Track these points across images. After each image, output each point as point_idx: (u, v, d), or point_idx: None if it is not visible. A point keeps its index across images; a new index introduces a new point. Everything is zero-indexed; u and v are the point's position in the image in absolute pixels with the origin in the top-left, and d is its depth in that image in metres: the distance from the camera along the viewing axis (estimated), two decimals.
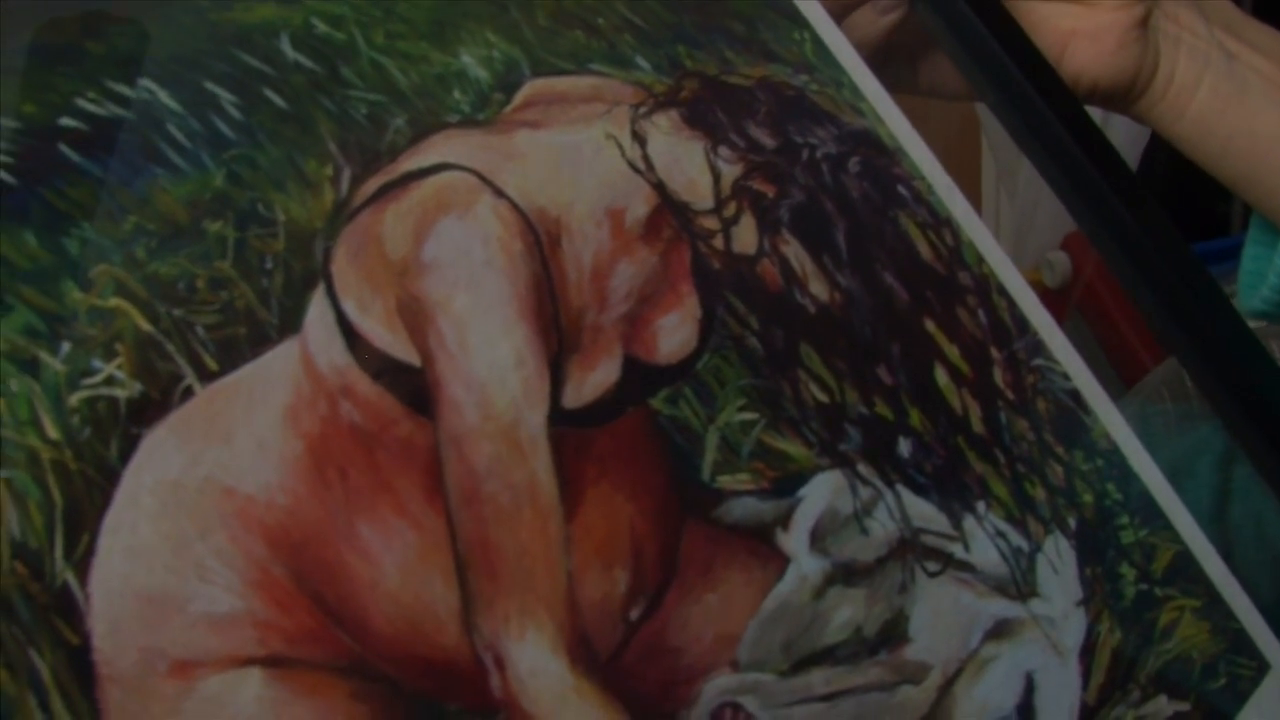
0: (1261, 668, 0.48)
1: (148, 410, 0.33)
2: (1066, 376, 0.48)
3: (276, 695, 0.32)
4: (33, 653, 0.30)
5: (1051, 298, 1.34)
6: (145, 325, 0.34)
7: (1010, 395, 0.46)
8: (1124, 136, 1.20)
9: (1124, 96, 0.57)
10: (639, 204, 0.41)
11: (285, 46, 0.39)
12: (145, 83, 0.36)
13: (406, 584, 0.34)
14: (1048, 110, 0.53)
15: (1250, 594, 0.53)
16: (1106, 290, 1.27)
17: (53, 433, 0.32)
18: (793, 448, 0.41)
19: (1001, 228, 1.42)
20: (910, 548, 0.41)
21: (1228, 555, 0.63)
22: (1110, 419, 0.48)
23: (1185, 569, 0.47)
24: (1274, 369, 0.52)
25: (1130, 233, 0.52)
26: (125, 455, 0.32)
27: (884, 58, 0.54)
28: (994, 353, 0.46)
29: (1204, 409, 0.84)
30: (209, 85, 0.37)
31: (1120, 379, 1.18)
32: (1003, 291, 0.48)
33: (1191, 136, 0.57)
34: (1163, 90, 0.57)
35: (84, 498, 0.32)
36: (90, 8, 0.37)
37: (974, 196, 1.48)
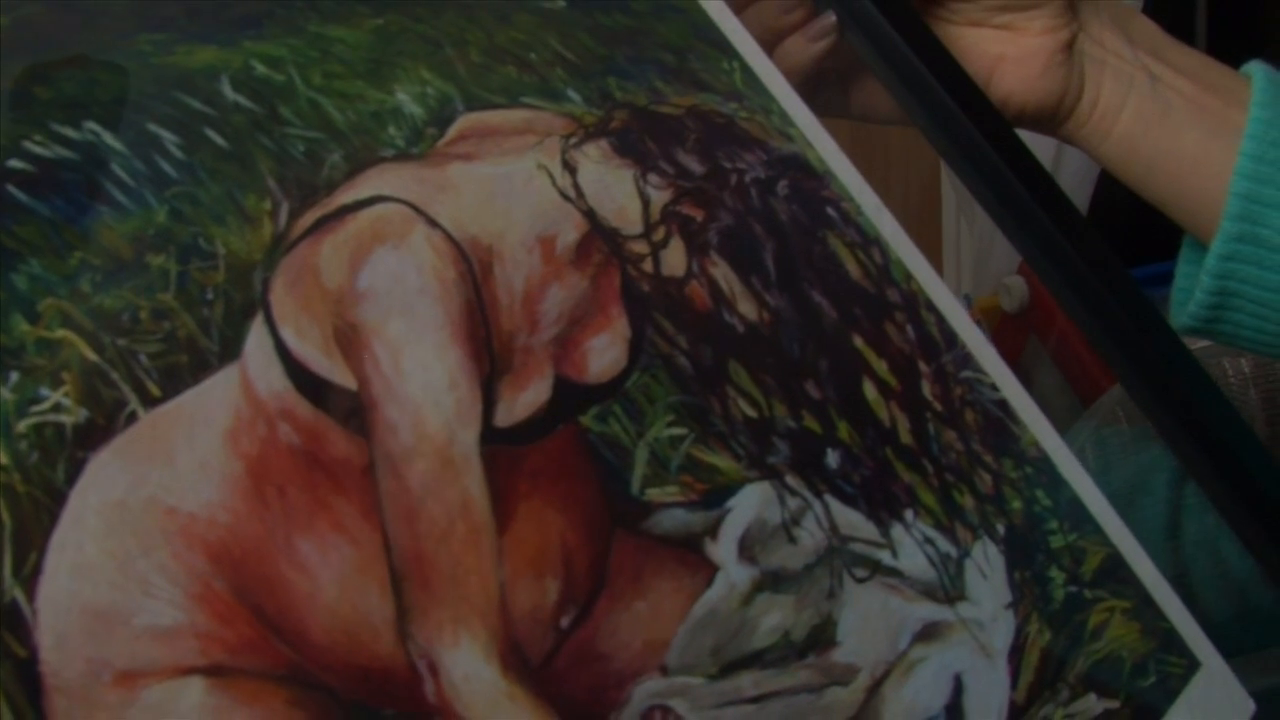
0: (1192, 666, 0.49)
1: (93, 435, 0.34)
2: (995, 387, 0.50)
3: (217, 703, 0.33)
4: None
5: (1010, 321, 1.35)
6: (91, 355, 0.35)
7: (938, 407, 0.47)
8: (1081, 159, 1.22)
9: (1051, 118, 0.59)
10: (569, 231, 0.43)
11: (225, 88, 0.40)
12: (90, 125, 0.38)
13: (343, 596, 0.35)
14: (976, 132, 0.54)
15: (1204, 606, 0.55)
16: (1062, 316, 1.29)
17: (2, 458, 0.33)
18: (721, 461, 0.42)
19: (963, 255, 1.43)
20: (838, 555, 0.43)
21: (1184, 572, 0.65)
22: (1039, 427, 0.49)
23: (1115, 571, 0.49)
24: (1213, 388, 0.54)
25: (1057, 244, 0.54)
26: (72, 478, 0.33)
27: (816, 83, 0.56)
28: (922, 366, 0.48)
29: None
30: (152, 127, 0.39)
31: (1079, 399, 1.20)
32: (931, 307, 0.49)
33: (1117, 157, 0.59)
34: (1088, 112, 0.59)
35: (31, 518, 0.33)
36: (38, 55, 0.39)
37: (935, 225, 1.49)
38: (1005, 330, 1.32)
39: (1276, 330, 0.58)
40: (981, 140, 0.53)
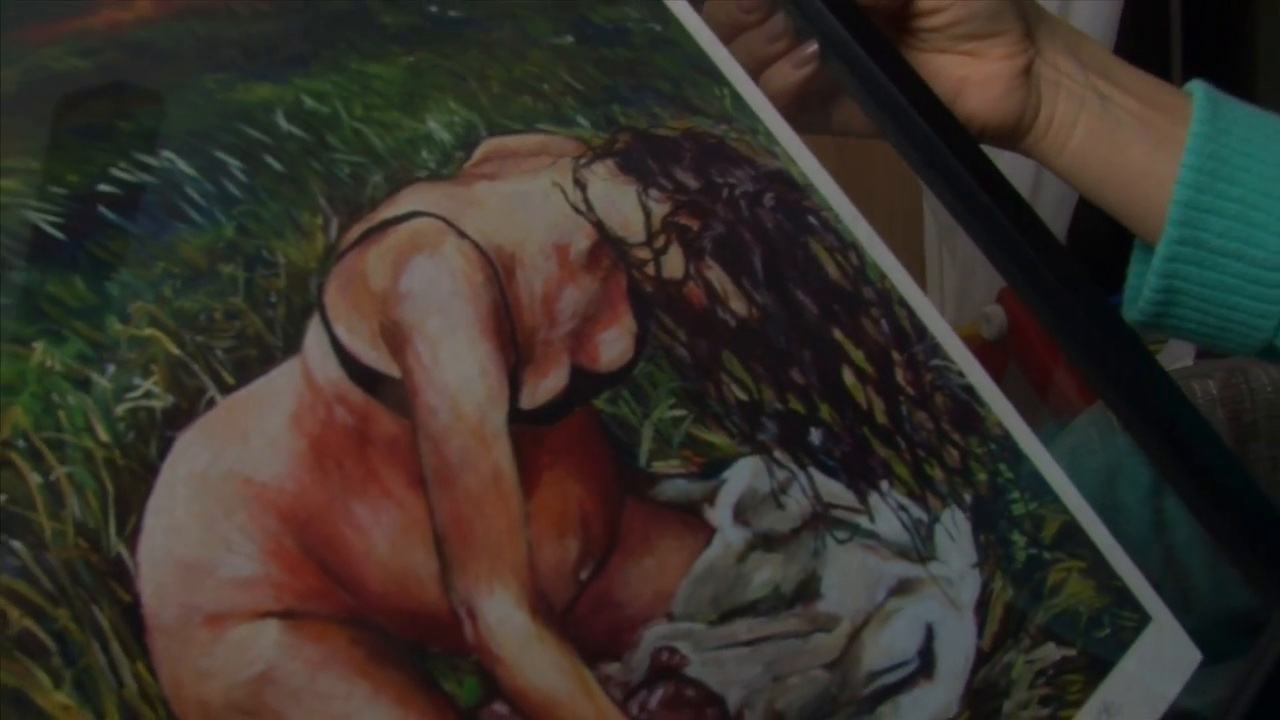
0: (1143, 620, 0.54)
1: (179, 417, 0.40)
2: (961, 374, 0.55)
3: (290, 641, 0.39)
4: (95, 609, 0.36)
5: (990, 349, 1.39)
6: (174, 349, 0.41)
7: (910, 391, 0.53)
8: (1058, 188, 1.28)
9: (1011, 135, 0.65)
10: (581, 239, 0.49)
11: (280, 120, 0.46)
12: (166, 153, 0.44)
13: (394, 552, 0.41)
14: (944, 147, 0.60)
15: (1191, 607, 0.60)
16: (1039, 340, 1.33)
17: (104, 436, 0.39)
18: (717, 438, 0.48)
19: (945, 285, 1.48)
20: (821, 520, 0.49)
21: (1161, 582, 0.70)
22: (1001, 408, 0.55)
23: (1072, 535, 0.54)
24: (1184, 399, 0.59)
25: (1021, 250, 0.59)
26: (162, 453, 0.39)
27: (800, 104, 0.62)
28: (895, 355, 0.54)
29: (1129, 446, 0.91)
30: (219, 154, 0.45)
31: (1056, 423, 1.25)
32: (903, 303, 0.55)
33: (1071, 169, 0.64)
34: (1045, 129, 0.64)
35: (130, 487, 0.38)
36: (118, 94, 0.45)
37: (918, 256, 1.54)
38: (985, 357, 1.37)
39: (1216, 323, 0.64)
40: (946, 151, 0.59)
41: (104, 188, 0.42)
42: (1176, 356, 1.47)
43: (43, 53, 0.44)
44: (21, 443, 0.38)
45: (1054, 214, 1.36)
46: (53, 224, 0.41)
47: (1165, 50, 1.65)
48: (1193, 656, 0.54)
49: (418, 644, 0.41)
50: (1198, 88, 0.64)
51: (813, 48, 0.61)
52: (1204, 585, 0.81)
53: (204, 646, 0.38)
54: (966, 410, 0.54)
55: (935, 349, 0.55)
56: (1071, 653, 0.52)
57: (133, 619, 0.37)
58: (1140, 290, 0.64)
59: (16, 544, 0.37)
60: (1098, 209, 0.67)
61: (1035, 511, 0.54)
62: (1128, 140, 0.63)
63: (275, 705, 0.38)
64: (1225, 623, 0.65)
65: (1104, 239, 0.84)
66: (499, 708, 0.41)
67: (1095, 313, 0.59)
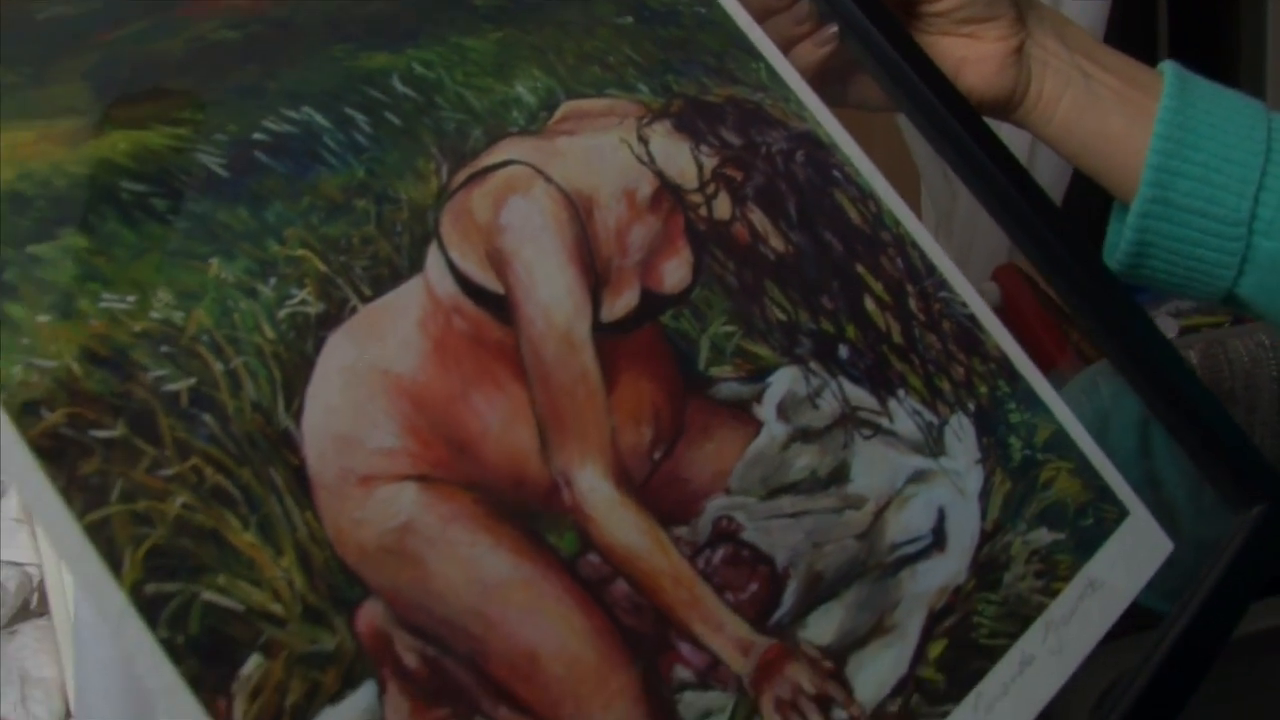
0: (1122, 513, 0.63)
1: (328, 321, 0.47)
2: (965, 305, 0.64)
3: (425, 499, 0.47)
4: (270, 469, 0.44)
5: None
6: (322, 267, 0.49)
7: (922, 317, 0.62)
8: (1054, 165, 1.37)
9: (1004, 107, 0.73)
10: (645, 186, 0.58)
11: (396, 83, 0.55)
12: (306, 109, 0.52)
13: (504, 432, 0.50)
14: (949, 115, 0.69)
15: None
16: (1032, 314, 1.42)
17: (270, 334, 0.47)
18: (762, 350, 0.57)
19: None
20: (849, 419, 0.58)
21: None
22: (999, 334, 0.64)
23: (1061, 442, 0.63)
24: (1171, 348, 0.68)
25: (1018, 205, 0.69)
26: (317, 349, 0.46)
27: (821, 79, 0.71)
28: (909, 287, 0.63)
29: (1115, 406, 1.00)
30: (349, 110, 0.53)
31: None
32: (914, 245, 0.64)
33: (1058, 137, 0.73)
34: (1034, 102, 0.73)
35: (293, 375, 0.46)
36: (266, 60, 0.54)
37: None
38: None
39: (1184, 273, 0.73)
40: (950, 118, 0.68)
41: (258, 135, 0.50)
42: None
43: (201, 26, 0.53)
44: (206, 338, 0.46)
45: (1051, 185, 1.44)
46: (218, 164, 0.50)
47: (1152, 46, 1.74)
48: (1165, 545, 0.63)
49: (525, 505, 0.48)
50: (1168, 67, 0.73)
51: (833, 29, 0.70)
52: (1186, 518, 0.89)
53: (358, 501, 0.45)
54: (969, 335, 0.63)
55: (942, 283, 0.64)
56: (1061, 537, 0.60)
57: (300, 478, 0.44)
58: (1117, 244, 0.73)
59: (207, 417, 0.45)
60: (1089, 182, 0.76)
61: (1029, 421, 0.63)
62: (1107, 112, 0.72)
63: (416, 549, 0.46)
64: (1201, 550, 0.74)
65: (1095, 210, 0.91)
66: (593, 558, 0.49)
67: (1084, 261, 0.68)
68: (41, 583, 1.30)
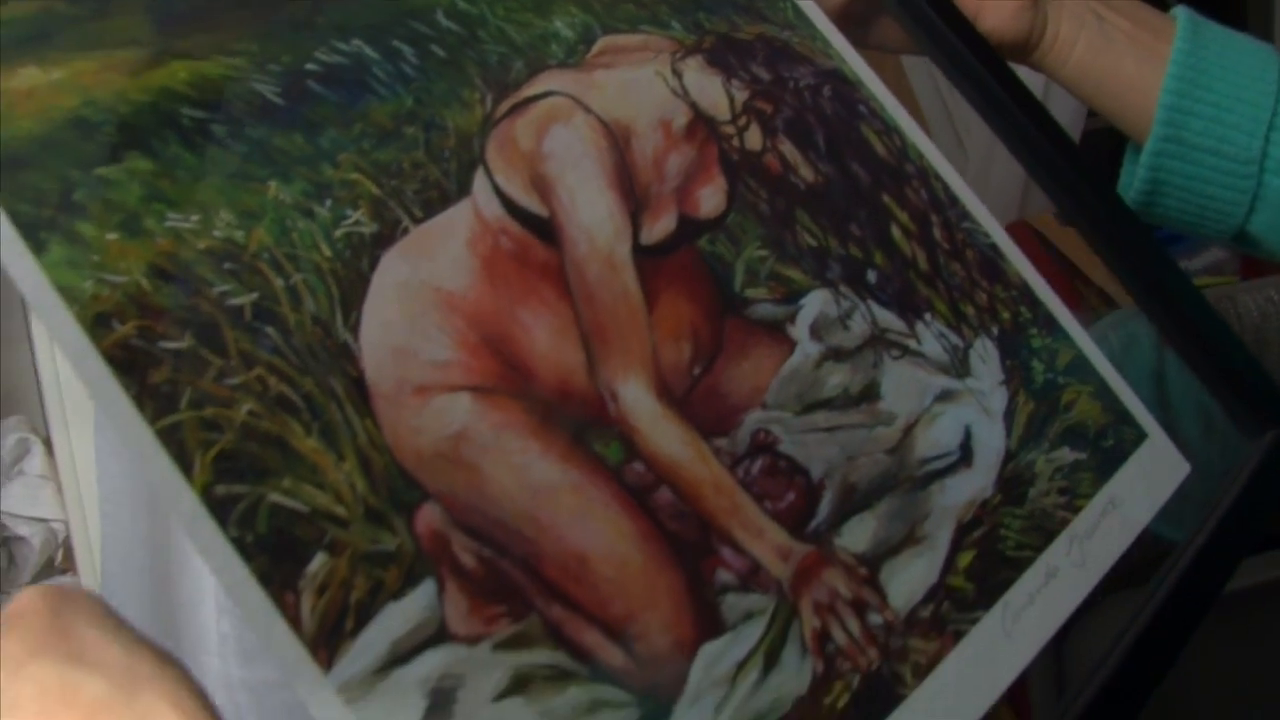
0: (1141, 436, 0.65)
1: (382, 240, 0.49)
2: (987, 235, 0.66)
3: (480, 408, 0.49)
4: (331, 379, 0.46)
5: None
6: (375, 190, 0.51)
7: (946, 245, 0.64)
8: (1068, 107, 1.38)
9: (1021, 49, 0.75)
10: (681, 116, 0.60)
11: (441, 18, 0.57)
12: (356, 41, 0.54)
13: (552, 347, 0.52)
14: (970, 56, 0.71)
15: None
16: (1044, 270, 1.45)
17: (327, 252, 0.49)
18: (794, 274, 0.59)
19: None
20: (879, 340, 0.60)
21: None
22: (1020, 263, 0.66)
23: (1081, 366, 0.65)
24: (1187, 279, 0.70)
25: (1036, 141, 0.71)
26: (372, 266, 0.49)
27: (844, 20, 0.73)
28: (933, 217, 0.65)
29: (1127, 358, 1.02)
30: (396, 43, 0.55)
31: None
32: (938, 177, 0.66)
33: (1073, 79, 0.76)
34: (1050, 45, 0.75)
35: (350, 291, 0.48)
36: None
37: None
38: None
39: (1196, 211, 0.75)
40: (970, 56, 0.70)
41: (310, 66, 0.53)
42: None
43: None
44: (267, 255, 0.48)
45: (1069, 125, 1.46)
46: (273, 93, 0.52)
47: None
48: (1183, 467, 0.65)
49: (573, 416, 0.51)
50: (1181, 12, 0.75)
51: None
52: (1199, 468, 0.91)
53: (414, 410, 0.47)
54: (992, 263, 0.65)
55: (965, 214, 0.66)
56: (1083, 456, 0.63)
57: (360, 387, 0.47)
58: (1131, 184, 0.75)
59: (269, 330, 0.47)
60: (1105, 134, 0.78)
61: (1051, 345, 0.65)
62: (1121, 55, 0.74)
63: (470, 456, 0.48)
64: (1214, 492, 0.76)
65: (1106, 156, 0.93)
66: (638, 466, 0.51)
67: (1102, 195, 0.70)
68: (67, 539, 1.32)
